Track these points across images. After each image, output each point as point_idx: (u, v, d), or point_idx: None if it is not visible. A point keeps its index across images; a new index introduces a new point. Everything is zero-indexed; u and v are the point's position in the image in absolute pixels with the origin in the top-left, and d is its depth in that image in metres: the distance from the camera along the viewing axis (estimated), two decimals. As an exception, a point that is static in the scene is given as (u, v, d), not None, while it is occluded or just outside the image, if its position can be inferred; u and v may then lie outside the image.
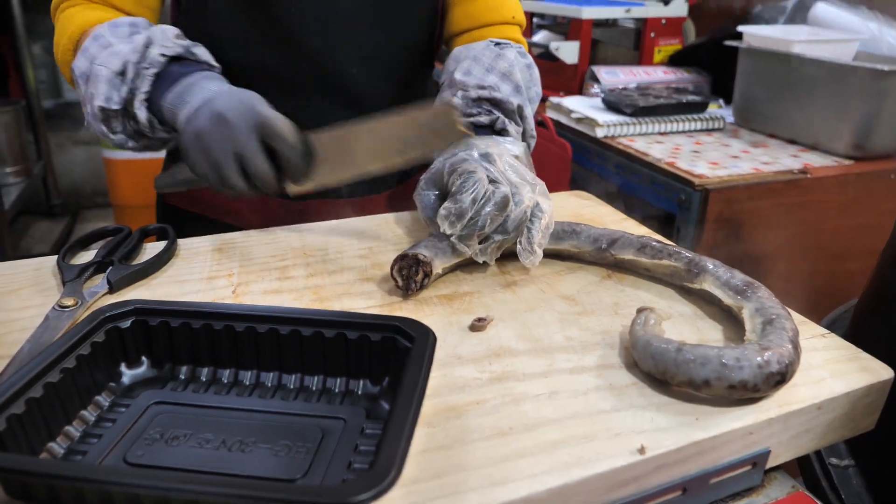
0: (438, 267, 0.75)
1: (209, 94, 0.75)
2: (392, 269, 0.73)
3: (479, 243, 0.76)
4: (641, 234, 0.81)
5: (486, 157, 0.80)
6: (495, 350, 0.65)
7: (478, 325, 0.68)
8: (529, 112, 0.94)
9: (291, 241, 0.87)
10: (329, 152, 0.76)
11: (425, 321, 0.69)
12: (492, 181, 0.76)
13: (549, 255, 0.83)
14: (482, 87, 0.91)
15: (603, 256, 0.81)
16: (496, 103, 0.91)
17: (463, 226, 0.74)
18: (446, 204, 0.73)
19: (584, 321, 0.70)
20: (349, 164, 0.76)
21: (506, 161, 0.80)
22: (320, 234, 0.90)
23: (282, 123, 0.73)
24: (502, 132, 0.90)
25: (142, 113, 0.78)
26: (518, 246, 0.76)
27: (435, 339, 0.55)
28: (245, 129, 0.72)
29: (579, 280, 0.79)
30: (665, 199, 1.55)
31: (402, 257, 0.73)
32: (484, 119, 0.90)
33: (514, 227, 0.75)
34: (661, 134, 1.76)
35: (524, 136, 0.94)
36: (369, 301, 0.73)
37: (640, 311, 0.66)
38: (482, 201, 0.74)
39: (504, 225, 0.75)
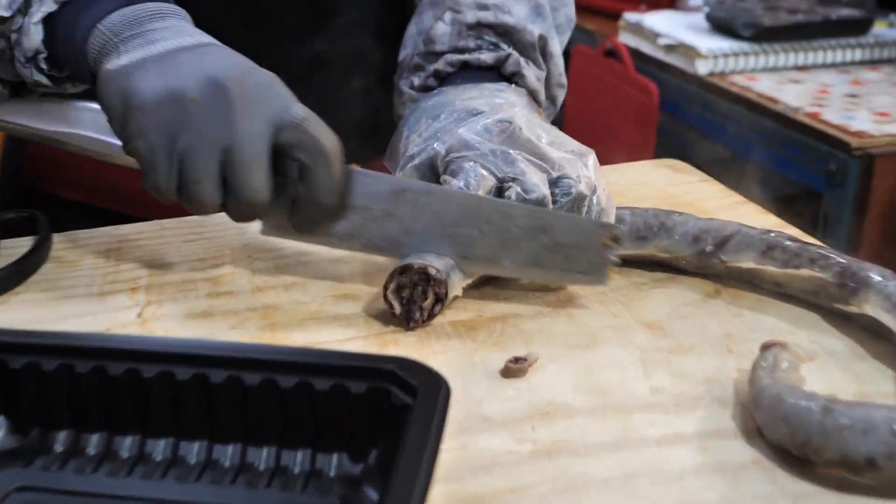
0: (458, 287, 0.75)
1: (193, 41, 0.73)
2: (386, 288, 0.73)
3: None
4: (767, 229, 0.81)
5: (505, 129, 0.79)
6: (541, 407, 0.65)
7: (514, 369, 0.68)
8: (557, 47, 0.94)
9: (229, 237, 0.87)
10: (378, 206, 0.75)
11: (434, 361, 0.68)
12: (510, 180, 0.76)
13: (625, 261, 0.83)
14: (483, 7, 0.91)
15: (708, 264, 0.81)
16: (505, 32, 0.90)
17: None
18: None
19: (679, 362, 0.70)
20: (405, 240, 0.76)
21: (534, 127, 0.80)
22: None
23: (323, 132, 0.72)
24: (514, 78, 0.90)
25: (35, 34, 0.74)
26: None
27: (449, 390, 0.54)
28: (258, 119, 0.70)
29: (671, 298, 0.79)
30: (805, 171, 1.55)
31: (402, 271, 0.73)
32: (486, 57, 0.89)
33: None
34: (798, 69, 1.75)
35: (549, 85, 0.94)
36: (348, 331, 0.73)
37: (765, 347, 0.66)
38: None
39: None
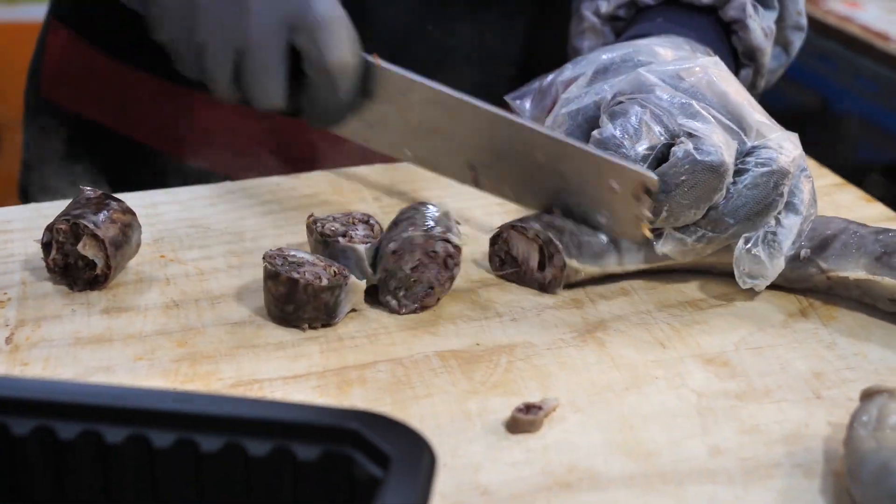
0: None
1: None
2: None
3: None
4: (883, 227, 0.81)
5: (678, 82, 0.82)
6: (560, 476, 0.65)
7: (525, 421, 0.68)
8: None
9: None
10: (398, 97, 0.86)
11: (415, 410, 0.68)
12: (684, 135, 0.78)
13: (679, 268, 0.83)
14: None
15: (803, 275, 0.81)
16: None
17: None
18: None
19: (750, 413, 0.70)
20: (428, 134, 0.87)
21: (735, 84, 0.83)
22: (217, 202, 0.91)
23: (339, 27, 0.82)
24: (734, 27, 0.93)
25: None
26: (740, 250, 0.79)
27: (434, 458, 0.54)
28: (273, 17, 0.81)
29: (740, 321, 0.80)
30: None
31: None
32: None
33: (744, 217, 0.78)
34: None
35: (781, 27, 0.97)
36: (297, 364, 0.73)
37: (866, 395, 0.66)
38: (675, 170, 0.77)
39: (723, 209, 0.78)
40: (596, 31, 0.97)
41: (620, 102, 0.81)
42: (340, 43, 0.81)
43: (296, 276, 0.74)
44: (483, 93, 1.05)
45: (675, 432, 0.68)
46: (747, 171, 0.78)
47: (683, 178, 0.77)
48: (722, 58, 0.88)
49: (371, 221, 0.82)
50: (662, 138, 0.79)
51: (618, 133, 0.79)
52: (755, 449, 0.67)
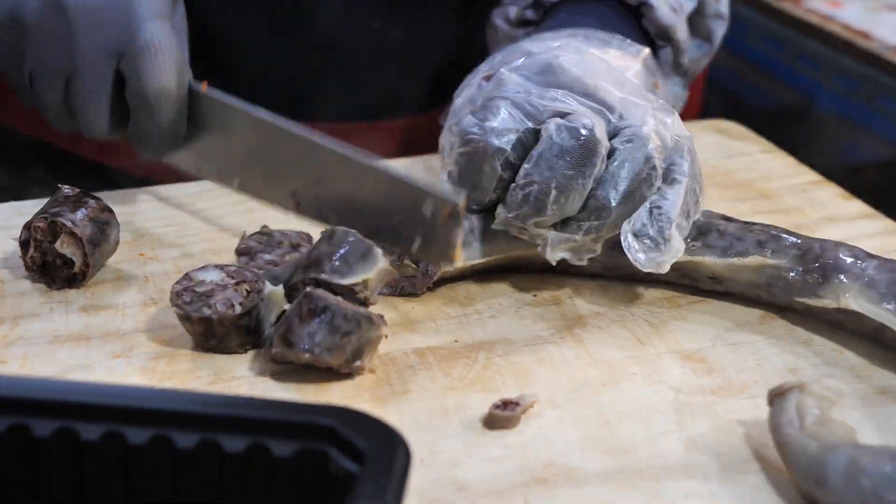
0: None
1: None
2: None
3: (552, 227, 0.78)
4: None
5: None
6: (537, 472, 0.65)
7: (502, 417, 0.68)
8: None
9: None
10: (223, 126, 0.84)
11: (392, 407, 0.68)
12: (553, 116, 0.78)
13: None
14: None
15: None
16: None
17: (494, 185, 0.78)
18: (457, 126, 0.80)
19: (727, 408, 0.70)
20: (253, 164, 0.85)
21: (592, 66, 0.82)
22: (196, 200, 0.91)
23: (162, 54, 0.81)
24: (641, 10, 0.93)
25: None
26: (626, 234, 0.77)
27: (409, 453, 0.54)
28: (99, 45, 0.81)
29: (717, 318, 0.80)
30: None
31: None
32: None
33: (622, 196, 0.77)
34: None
35: (701, 16, 0.98)
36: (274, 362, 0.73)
37: (779, 394, 0.65)
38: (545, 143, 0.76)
39: (600, 193, 0.77)
40: (510, 38, 0.97)
41: (484, 103, 0.81)
42: (161, 70, 0.80)
43: (207, 312, 0.72)
44: (413, 92, 1.06)
45: (652, 428, 0.68)
46: (616, 150, 0.77)
47: (561, 149, 0.75)
48: (633, 39, 0.89)
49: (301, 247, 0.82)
50: (528, 124, 0.78)
51: (476, 121, 0.78)
52: (731, 444, 0.67)
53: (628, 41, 0.90)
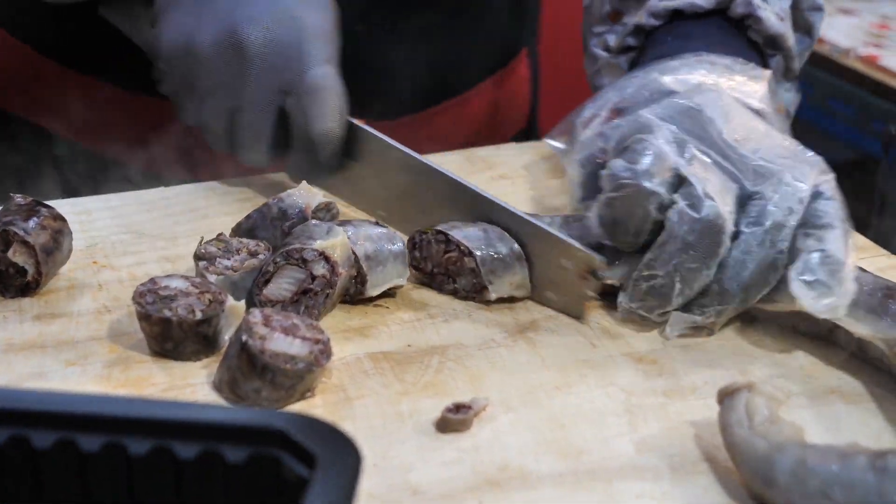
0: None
1: None
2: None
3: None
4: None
5: (689, 116, 0.80)
6: (490, 475, 0.65)
7: (455, 421, 0.68)
8: None
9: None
10: (376, 160, 0.91)
11: (347, 411, 0.68)
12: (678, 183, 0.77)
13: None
14: None
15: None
16: None
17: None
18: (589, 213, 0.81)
19: (678, 410, 0.71)
20: (401, 198, 0.90)
21: (737, 116, 0.81)
22: (150, 208, 0.92)
23: (328, 97, 0.87)
24: (747, 22, 0.92)
25: None
26: (794, 280, 0.74)
27: (360, 458, 0.54)
28: (268, 84, 0.87)
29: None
30: (857, 134, 1.56)
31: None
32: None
33: (746, 283, 0.76)
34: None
35: (798, 10, 0.96)
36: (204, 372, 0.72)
37: (727, 393, 0.66)
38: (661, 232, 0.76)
39: (724, 279, 0.76)
40: (612, 67, 0.97)
41: (626, 147, 0.79)
42: (326, 113, 0.86)
43: (168, 314, 0.72)
44: (396, 106, 1.06)
45: (605, 430, 0.69)
46: (741, 233, 0.76)
47: (684, 243, 0.75)
48: (746, 56, 0.88)
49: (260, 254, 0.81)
50: (672, 171, 0.76)
51: (626, 164, 0.77)
52: (682, 445, 0.68)
53: (751, 65, 0.87)
